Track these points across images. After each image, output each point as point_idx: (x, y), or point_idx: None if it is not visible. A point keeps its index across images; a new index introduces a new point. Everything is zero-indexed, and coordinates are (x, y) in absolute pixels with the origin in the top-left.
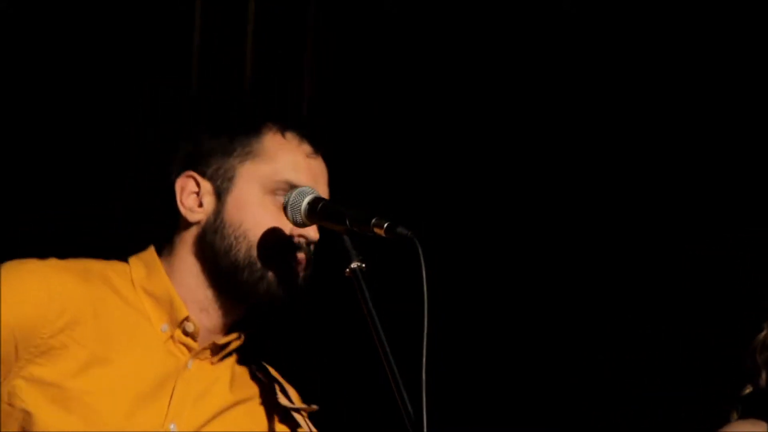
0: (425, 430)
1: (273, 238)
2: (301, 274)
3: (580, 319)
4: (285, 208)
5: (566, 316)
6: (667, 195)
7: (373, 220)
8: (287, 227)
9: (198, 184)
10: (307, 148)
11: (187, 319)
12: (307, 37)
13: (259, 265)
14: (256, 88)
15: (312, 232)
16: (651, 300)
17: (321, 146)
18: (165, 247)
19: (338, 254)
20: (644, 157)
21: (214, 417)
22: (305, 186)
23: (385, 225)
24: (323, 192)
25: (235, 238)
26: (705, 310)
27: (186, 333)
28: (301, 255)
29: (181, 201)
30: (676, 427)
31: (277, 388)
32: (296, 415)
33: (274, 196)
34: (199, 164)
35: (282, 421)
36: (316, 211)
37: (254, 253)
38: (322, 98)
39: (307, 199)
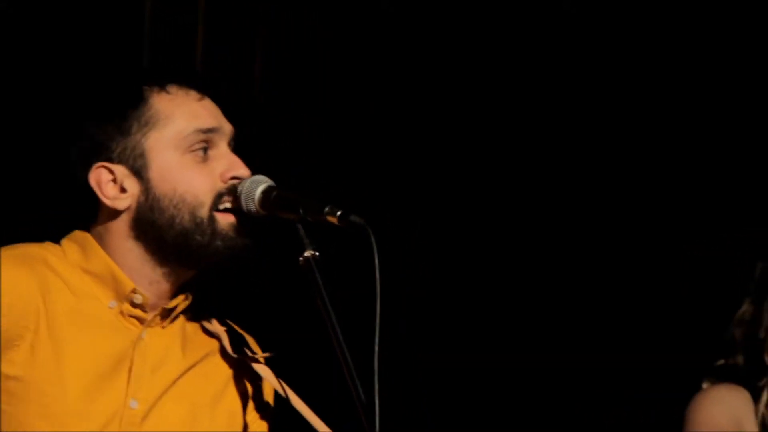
0: (377, 415)
1: (208, 190)
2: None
3: (579, 319)
4: (238, 197)
5: (563, 318)
6: (665, 196)
7: (327, 209)
8: (216, 174)
9: (111, 171)
10: (194, 93)
11: (134, 291)
12: (259, 20)
13: (206, 223)
14: (208, 70)
15: (242, 169)
16: (649, 299)
17: (203, 85)
18: (92, 235)
19: (292, 243)
20: (642, 159)
21: (170, 386)
22: (220, 126)
23: (338, 213)
24: (223, 123)
25: (174, 207)
26: (703, 310)
27: (134, 305)
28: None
29: (103, 194)
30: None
31: (230, 339)
32: (254, 365)
33: (191, 153)
34: (101, 154)
35: (239, 374)
36: (270, 200)
37: (197, 213)
38: (272, 80)
39: (260, 188)
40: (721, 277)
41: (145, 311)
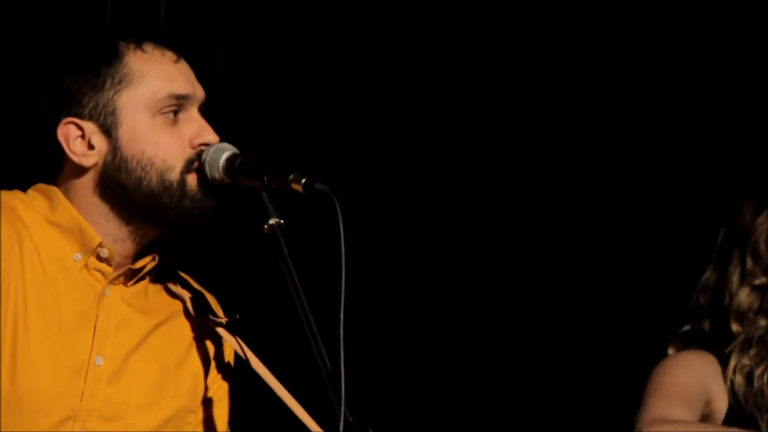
0: (342, 382)
1: (178, 155)
2: None
3: (564, 305)
4: (202, 165)
5: (547, 305)
6: (651, 186)
7: (291, 176)
8: (186, 139)
9: (80, 128)
10: (170, 54)
11: (100, 245)
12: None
13: (175, 186)
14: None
15: (210, 135)
16: (634, 287)
17: (179, 47)
18: (60, 189)
19: (257, 211)
20: (630, 149)
21: (137, 346)
22: (194, 92)
23: (303, 181)
24: (196, 88)
25: (142, 168)
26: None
27: (101, 259)
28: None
29: (70, 150)
30: None
31: (193, 301)
32: (216, 327)
33: (162, 115)
34: (71, 107)
35: (202, 336)
36: (234, 167)
37: (167, 176)
38: (234, 51)
39: (225, 156)
40: (706, 266)
41: (110, 266)
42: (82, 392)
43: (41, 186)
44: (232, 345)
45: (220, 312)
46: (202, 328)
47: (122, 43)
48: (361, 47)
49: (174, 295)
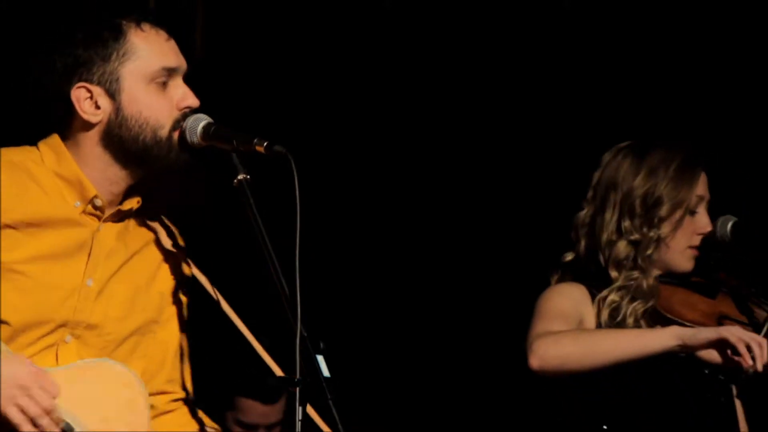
0: (298, 306)
1: (167, 116)
2: None
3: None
4: (183, 131)
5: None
6: None
7: (255, 140)
8: (173, 103)
9: (89, 91)
10: (163, 34)
11: (96, 197)
12: None
13: (164, 140)
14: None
15: (192, 100)
16: None
17: (168, 27)
18: (68, 142)
19: (227, 169)
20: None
21: (117, 270)
22: (180, 65)
23: (265, 144)
24: (181, 60)
25: (140, 126)
26: None
27: (96, 207)
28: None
29: (81, 109)
30: None
31: (165, 233)
32: (179, 253)
33: (155, 83)
34: (83, 74)
35: (168, 261)
36: (209, 133)
37: (158, 132)
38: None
39: (201, 124)
40: None
41: (103, 212)
42: (75, 307)
43: (50, 141)
44: (192, 269)
45: (182, 242)
46: (169, 255)
47: (125, 22)
48: (362, 46)
49: (150, 229)
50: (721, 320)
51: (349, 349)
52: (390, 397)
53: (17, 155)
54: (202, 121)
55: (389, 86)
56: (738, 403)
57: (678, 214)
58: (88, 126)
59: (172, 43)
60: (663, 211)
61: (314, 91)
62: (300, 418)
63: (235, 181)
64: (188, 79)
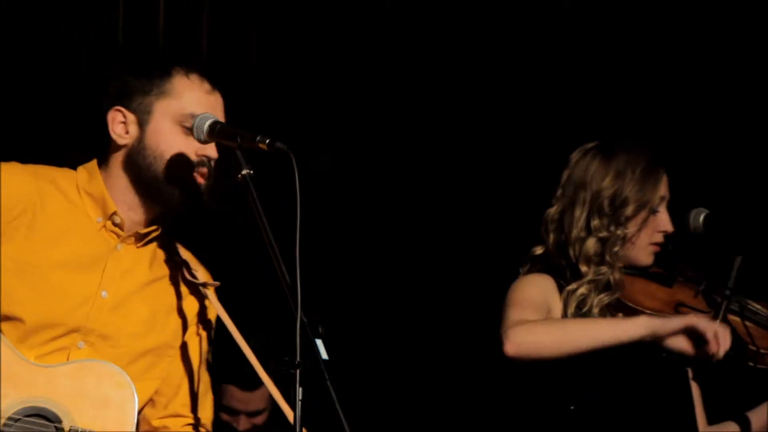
0: (298, 293)
1: (183, 157)
2: (205, 183)
3: None
4: (192, 129)
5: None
6: None
7: (258, 138)
8: (193, 149)
9: (124, 116)
10: (206, 86)
11: (115, 213)
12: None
13: (174, 177)
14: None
15: (212, 151)
16: None
17: (217, 84)
18: (103, 162)
19: (233, 165)
20: None
21: (137, 290)
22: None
23: (267, 141)
24: (221, 117)
25: (154, 158)
26: None
27: (115, 223)
28: (203, 169)
29: (112, 129)
30: None
31: (187, 268)
32: (203, 290)
33: (182, 126)
34: (124, 100)
35: (191, 294)
36: (215, 131)
37: (170, 168)
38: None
39: (208, 122)
40: None
41: (122, 230)
42: (88, 314)
43: (88, 164)
44: (215, 307)
45: (209, 278)
46: (192, 289)
47: (176, 68)
48: (362, 46)
49: (173, 261)
50: (678, 307)
51: (344, 334)
52: (377, 379)
53: (46, 169)
54: (208, 119)
55: (389, 86)
56: (694, 386)
57: (643, 214)
58: (117, 148)
59: (213, 97)
60: (629, 210)
61: (315, 91)
62: (300, 398)
63: (240, 175)
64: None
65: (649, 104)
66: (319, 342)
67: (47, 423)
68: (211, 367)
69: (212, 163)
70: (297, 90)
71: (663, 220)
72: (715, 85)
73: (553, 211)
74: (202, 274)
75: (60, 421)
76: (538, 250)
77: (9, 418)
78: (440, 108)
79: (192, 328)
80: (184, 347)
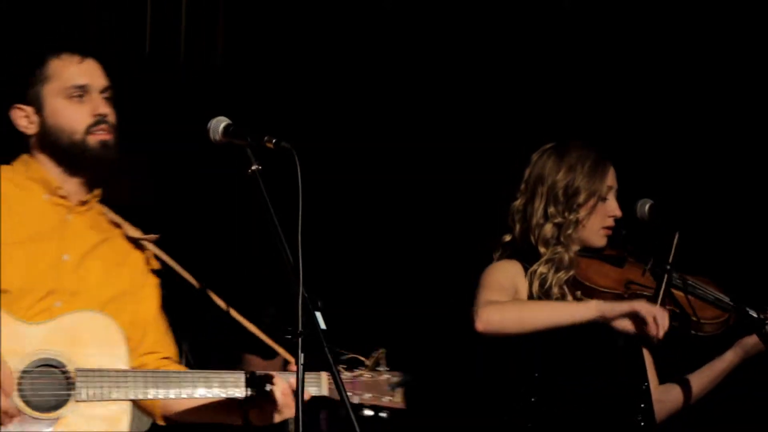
0: (300, 272)
1: (81, 124)
2: (107, 137)
3: None
4: (207, 130)
5: None
6: (650, 184)
7: (265, 137)
8: (88, 113)
9: (23, 110)
10: (77, 58)
11: (58, 187)
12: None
13: (82, 142)
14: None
15: (103, 108)
16: None
17: (86, 52)
18: (29, 154)
19: (242, 162)
20: (630, 149)
21: (90, 250)
22: (91, 82)
23: (274, 140)
24: (98, 77)
25: (60, 133)
26: None
27: (61, 197)
28: (102, 126)
29: (18, 124)
30: None
31: (122, 228)
32: (143, 243)
33: (71, 98)
34: (18, 97)
35: (134, 249)
36: (228, 132)
37: (73, 137)
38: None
39: (222, 125)
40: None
41: (68, 201)
42: (57, 277)
43: (21, 157)
44: (157, 253)
45: (141, 234)
46: (135, 245)
47: (47, 53)
48: (362, 46)
49: (112, 223)
50: (628, 284)
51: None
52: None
53: (4, 171)
54: (222, 122)
55: (389, 85)
56: (646, 352)
57: (592, 201)
58: (30, 138)
59: (86, 65)
60: (580, 198)
61: (316, 90)
62: (302, 362)
63: (249, 171)
64: (211, 79)
65: (649, 104)
66: (318, 314)
67: (55, 369)
68: (237, 340)
69: (108, 118)
70: (297, 90)
71: (611, 207)
72: (715, 84)
73: (517, 203)
74: (135, 232)
75: (65, 366)
76: (507, 238)
77: (23, 371)
78: (440, 108)
79: (142, 276)
80: (140, 294)
